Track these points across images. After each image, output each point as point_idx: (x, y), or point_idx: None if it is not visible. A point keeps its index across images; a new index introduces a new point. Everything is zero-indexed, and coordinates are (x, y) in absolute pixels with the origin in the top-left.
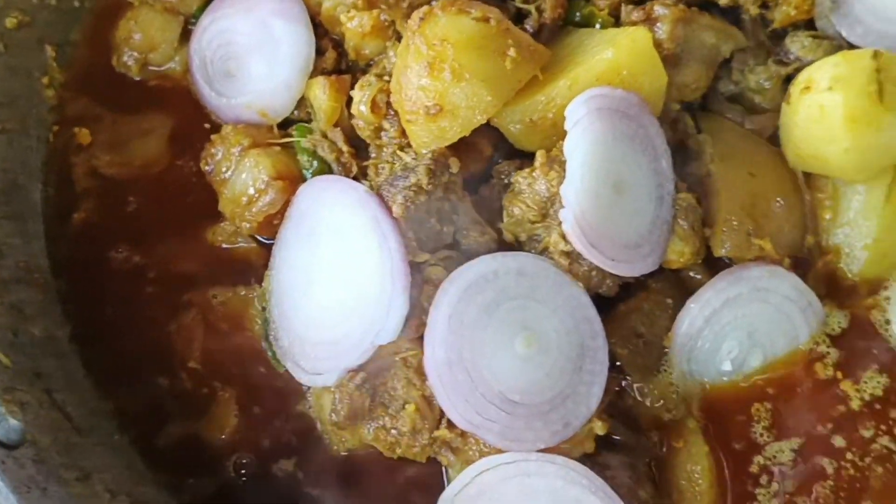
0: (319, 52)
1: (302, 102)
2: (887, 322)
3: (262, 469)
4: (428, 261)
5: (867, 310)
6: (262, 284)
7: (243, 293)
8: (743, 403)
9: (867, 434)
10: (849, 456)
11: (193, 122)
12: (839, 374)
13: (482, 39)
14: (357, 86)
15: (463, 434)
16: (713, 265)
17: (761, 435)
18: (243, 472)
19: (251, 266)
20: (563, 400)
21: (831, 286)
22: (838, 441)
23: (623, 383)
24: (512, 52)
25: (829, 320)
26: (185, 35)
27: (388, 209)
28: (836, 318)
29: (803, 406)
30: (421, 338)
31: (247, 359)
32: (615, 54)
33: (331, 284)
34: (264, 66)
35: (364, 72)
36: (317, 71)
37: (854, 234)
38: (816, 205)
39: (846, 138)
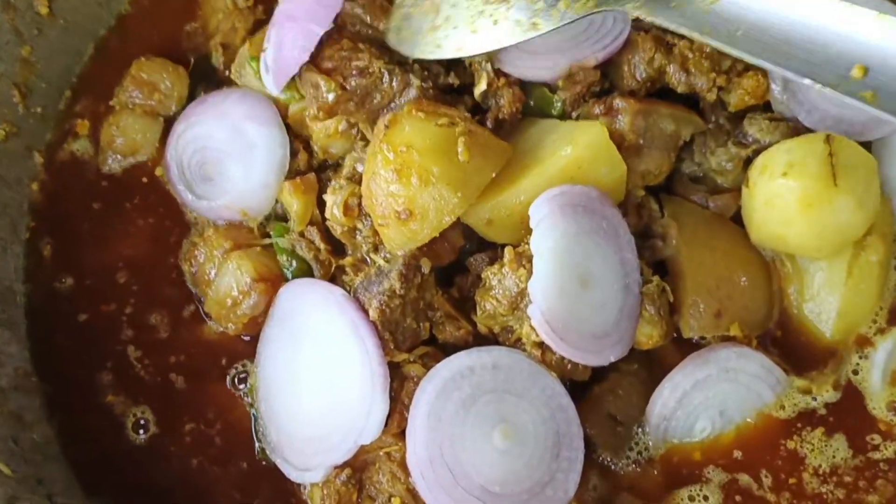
0: (292, 153)
1: None
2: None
3: None
4: (407, 359)
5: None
6: (250, 381)
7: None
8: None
9: None
10: None
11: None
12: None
13: (446, 143)
14: (329, 190)
15: None
16: (684, 342)
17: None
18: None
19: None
20: (541, 488)
21: (801, 357)
22: None
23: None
24: (463, 155)
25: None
26: (167, 134)
27: (365, 312)
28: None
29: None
30: (403, 432)
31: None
32: (573, 151)
33: (315, 383)
34: (241, 169)
35: (335, 168)
36: (291, 171)
37: (819, 309)
38: (782, 280)
39: (802, 222)
